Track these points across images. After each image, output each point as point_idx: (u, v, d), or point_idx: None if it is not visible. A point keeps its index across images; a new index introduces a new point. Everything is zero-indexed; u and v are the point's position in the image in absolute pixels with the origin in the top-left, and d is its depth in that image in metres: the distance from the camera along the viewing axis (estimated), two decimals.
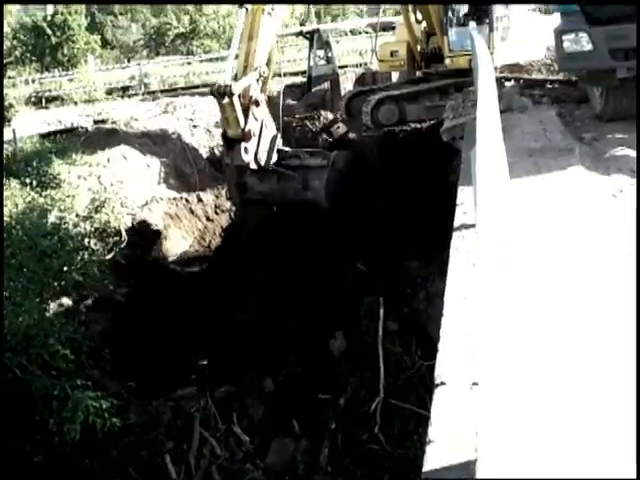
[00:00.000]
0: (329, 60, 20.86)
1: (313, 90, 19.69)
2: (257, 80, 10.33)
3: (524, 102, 13.34)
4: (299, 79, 22.24)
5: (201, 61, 32.76)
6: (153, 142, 14.52)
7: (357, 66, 24.36)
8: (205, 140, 15.57)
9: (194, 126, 15.86)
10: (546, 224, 6.41)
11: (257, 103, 10.25)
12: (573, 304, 4.59)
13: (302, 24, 38.61)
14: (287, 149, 11.16)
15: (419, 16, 17.66)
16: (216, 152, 15.57)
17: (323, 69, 20.48)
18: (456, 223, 6.42)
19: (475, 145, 5.19)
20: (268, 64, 10.82)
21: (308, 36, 22.12)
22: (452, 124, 12.29)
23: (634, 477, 3.39)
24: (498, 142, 5.05)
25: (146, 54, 45.86)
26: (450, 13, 17.13)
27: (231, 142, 10.23)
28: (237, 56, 10.61)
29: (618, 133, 10.28)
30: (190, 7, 41.15)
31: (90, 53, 44.66)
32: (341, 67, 23.01)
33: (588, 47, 10.66)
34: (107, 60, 46.70)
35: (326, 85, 19.83)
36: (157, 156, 14.15)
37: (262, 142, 10.43)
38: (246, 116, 10.01)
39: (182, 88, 25.68)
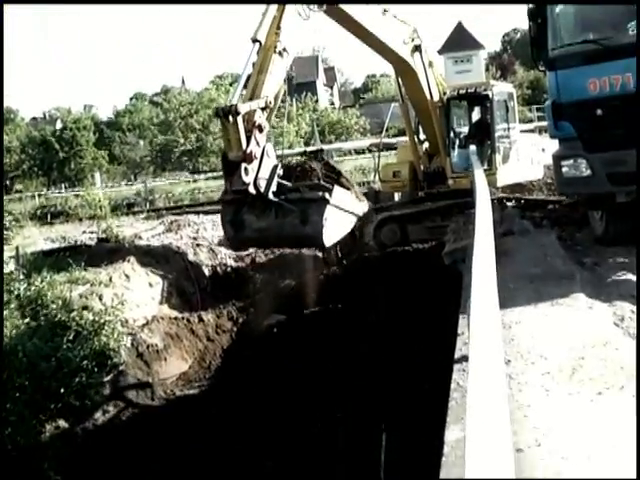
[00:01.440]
0: None
1: None
2: (262, 109, 10.32)
3: (525, 225, 13.44)
4: None
5: (207, 178, 33.33)
6: (156, 260, 14.55)
7: (360, 185, 24.74)
8: (208, 259, 15.62)
9: (197, 245, 15.95)
10: (546, 357, 6.33)
11: (260, 129, 10.19)
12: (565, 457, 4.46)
13: (307, 143, 39.51)
14: (287, 183, 10.91)
15: (422, 136, 18.06)
16: (219, 270, 15.61)
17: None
18: (457, 354, 6.33)
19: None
20: (275, 99, 10.87)
21: (312, 156, 22.60)
22: (453, 247, 12.36)
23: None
24: (491, 281, 5.07)
25: (152, 170, 46.82)
26: (452, 134, 17.55)
27: (231, 167, 10.10)
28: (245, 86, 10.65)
29: (619, 257, 10.28)
30: (197, 125, 42.08)
31: (97, 169, 45.61)
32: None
33: (587, 172, 10.82)
34: (114, 175, 47.66)
35: None
36: (160, 275, 14.15)
37: (262, 169, 10.23)
38: (248, 139, 9.93)
39: (187, 205, 26.04)
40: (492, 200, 15.70)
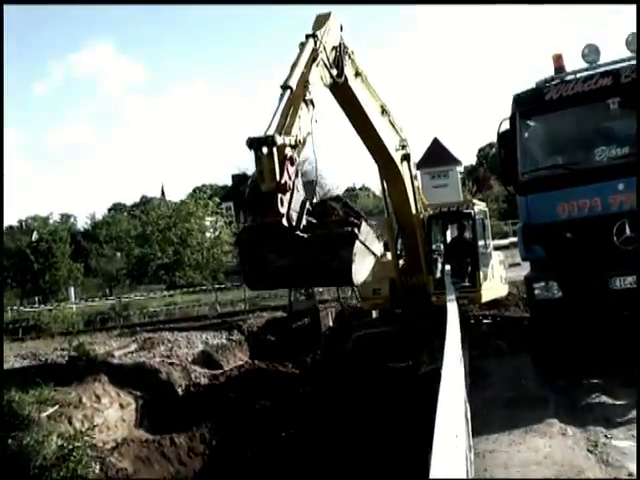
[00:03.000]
0: (309, 295, 21.20)
1: (293, 326, 19.85)
2: (292, 147, 10.30)
3: (499, 345, 13.49)
4: (279, 314, 22.52)
5: (183, 293, 33.23)
6: (128, 380, 14.30)
7: (337, 300, 24.76)
8: (181, 379, 15.40)
9: (171, 364, 15.76)
10: None
11: (292, 161, 10.12)
12: None
13: None
14: (314, 221, 10.68)
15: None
16: (192, 390, 15.37)
17: (303, 304, 20.75)
18: None
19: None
20: (303, 142, 10.90)
21: None
22: (429, 369, 12.34)
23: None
24: (458, 419, 5.02)
25: (129, 283, 46.64)
26: (435, 251, 17.81)
27: (264, 199, 9.88)
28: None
29: (593, 378, 10.32)
30: (175, 238, 42.19)
31: (72, 281, 45.36)
32: (322, 302, 23.37)
33: (558, 295, 10.98)
34: (89, 288, 47.39)
35: (306, 321, 20.01)
36: (131, 395, 13.89)
37: (293, 202, 10.09)
38: (281, 171, 9.83)
39: (162, 322, 25.86)
40: (469, 318, 15.88)
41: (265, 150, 9.71)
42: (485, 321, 17.09)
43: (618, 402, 9.06)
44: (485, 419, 8.39)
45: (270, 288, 14.45)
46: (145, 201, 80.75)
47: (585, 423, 8.37)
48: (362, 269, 11.14)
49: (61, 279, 47.07)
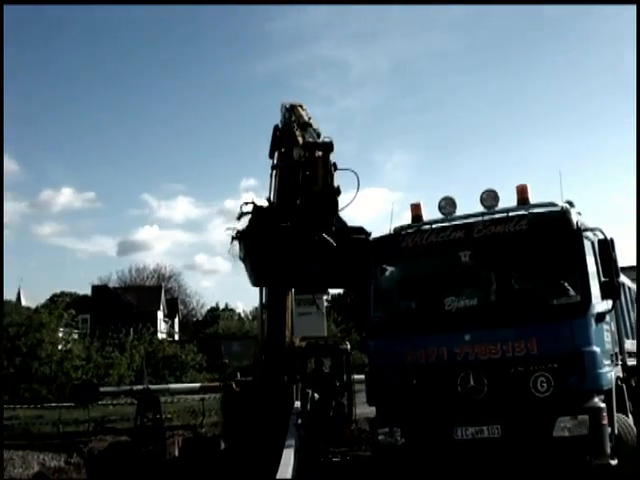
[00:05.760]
0: (157, 421, 20.46)
1: (137, 453, 19.00)
2: None
3: None
4: (124, 438, 21.57)
5: (27, 407, 31.40)
6: None
7: (188, 427, 24.05)
8: None
9: None
10: None
11: (335, 168, 11.08)
12: None
13: (138, 377, 38.25)
14: None
15: None
16: None
17: (151, 430, 19.97)
18: None
19: None
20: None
21: (137, 395, 21.92)
22: None
23: None
24: None
25: None
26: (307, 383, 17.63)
27: (317, 199, 10.46)
28: None
29: None
30: (24, 349, 40.05)
31: None
32: (171, 428, 22.61)
33: (401, 441, 10.95)
34: None
35: (152, 447, 19.21)
36: None
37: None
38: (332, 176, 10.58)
39: None
40: (318, 455, 15.68)
41: (319, 155, 10.01)
42: (335, 459, 16.91)
43: None
44: None
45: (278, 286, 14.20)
46: None
47: None
48: None
49: None
